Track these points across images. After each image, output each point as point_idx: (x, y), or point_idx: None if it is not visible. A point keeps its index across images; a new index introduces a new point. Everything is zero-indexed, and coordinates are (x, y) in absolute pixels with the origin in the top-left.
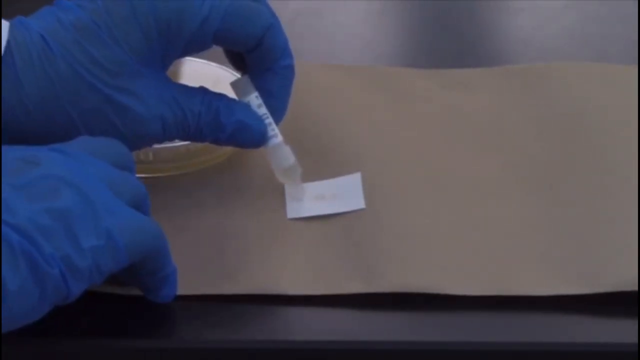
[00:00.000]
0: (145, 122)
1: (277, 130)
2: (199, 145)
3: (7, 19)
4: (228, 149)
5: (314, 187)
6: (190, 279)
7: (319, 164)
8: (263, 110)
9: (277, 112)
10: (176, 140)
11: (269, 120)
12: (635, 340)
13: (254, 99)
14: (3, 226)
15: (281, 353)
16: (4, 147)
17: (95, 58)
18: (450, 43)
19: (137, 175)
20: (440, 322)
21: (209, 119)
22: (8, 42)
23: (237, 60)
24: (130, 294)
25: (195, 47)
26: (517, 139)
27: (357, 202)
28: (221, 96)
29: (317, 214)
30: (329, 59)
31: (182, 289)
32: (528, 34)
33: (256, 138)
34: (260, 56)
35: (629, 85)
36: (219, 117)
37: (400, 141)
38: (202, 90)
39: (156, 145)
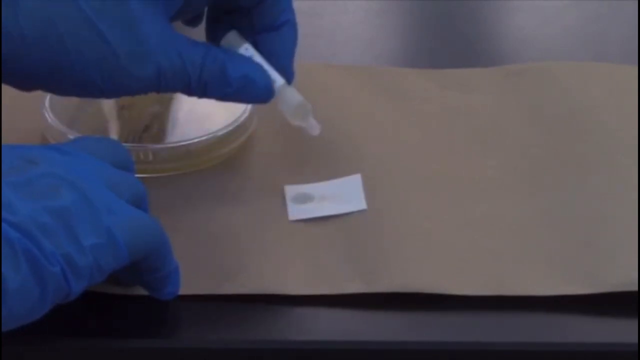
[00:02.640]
0: (141, 60)
1: (276, 74)
2: (199, 145)
3: None
4: (228, 149)
5: (314, 188)
6: (190, 279)
7: (319, 165)
8: (257, 59)
9: (287, 71)
10: (176, 141)
11: (265, 67)
12: (635, 340)
13: (244, 51)
14: (3, 224)
15: (281, 353)
16: (3, 146)
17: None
18: (450, 43)
19: (137, 175)
20: (440, 322)
21: (215, 72)
22: None
23: (218, 30)
24: (130, 294)
25: (194, 6)
26: (517, 138)
27: (358, 203)
28: (225, 50)
29: (318, 215)
30: (329, 59)
31: (182, 289)
32: (528, 34)
33: (263, 93)
34: (265, 11)
35: (629, 85)
36: (225, 70)
37: (400, 141)
38: (207, 44)
39: (156, 145)
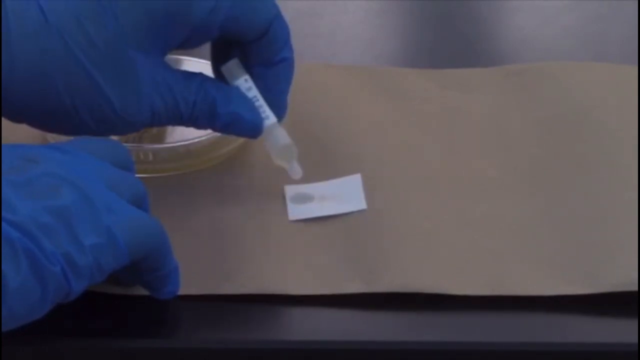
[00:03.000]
0: (135, 110)
1: (269, 112)
2: (199, 145)
3: None
4: (228, 149)
5: (314, 188)
6: (190, 279)
7: (319, 165)
8: (253, 93)
9: (279, 108)
10: (176, 141)
11: (260, 102)
12: (635, 340)
13: (243, 82)
14: (3, 224)
15: (281, 353)
16: (4, 145)
17: (92, 38)
18: (450, 43)
19: (137, 175)
20: (440, 322)
21: (205, 108)
22: (5, 8)
23: (221, 55)
24: (130, 294)
25: (201, 35)
26: (517, 138)
27: (358, 203)
28: (218, 85)
29: (318, 215)
30: (329, 59)
31: (182, 289)
32: (528, 34)
33: (250, 130)
34: (263, 47)
35: (629, 85)
36: (215, 108)
37: (400, 141)
38: (200, 78)
39: (156, 145)
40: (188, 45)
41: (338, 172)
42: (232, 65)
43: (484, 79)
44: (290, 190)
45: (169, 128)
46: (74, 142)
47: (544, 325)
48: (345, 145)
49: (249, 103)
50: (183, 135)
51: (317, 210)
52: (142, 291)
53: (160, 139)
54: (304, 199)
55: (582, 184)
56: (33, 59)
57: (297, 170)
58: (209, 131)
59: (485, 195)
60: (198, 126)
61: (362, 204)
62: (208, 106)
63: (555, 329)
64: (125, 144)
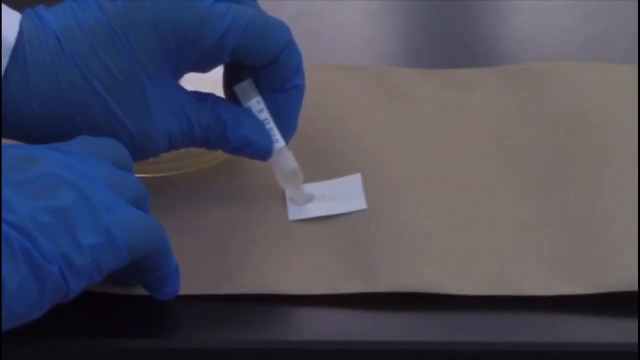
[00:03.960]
0: (152, 137)
1: (278, 135)
2: None
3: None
4: None
5: (314, 188)
6: (191, 279)
7: (319, 164)
8: (264, 115)
9: (287, 131)
10: None
11: (270, 125)
12: (635, 340)
13: (255, 104)
14: (3, 224)
15: (281, 353)
16: (3, 145)
17: (108, 67)
18: (450, 43)
19: (137, 175)
20: (440, 322)
21: (216, 132)
22: (22, 35)
23: (234, 75)
24: (129, 294)
25: (212, 60)
26: (517, 138)
27: (358, 202)
28: (230, 107)
29: (318, 215)
30: (329, 59)
31: (182, 289)
32: (528, 34)
33: (261, 154)
34: (274, 73)
35: (629, 85)
36: (226, 131)
37: (399, 141)
38: (212, 100)
39: None
40: (201, 68)
41: (338, 172)
42: (246, 86)
43: (483, 79)
44: (290, 193)
45: None
46: (74, 142)
47: (544, 325)
48: (345, 145)
49: (260, 126)
50: None
51: (317, 210)
52: (141, 291)
53: None
54: (305, 198)
55: (582, 184)
56: (49, 88)
57: (302, 196)
58: None
59: (485, 195)
60: (209, 148)
61: (362, 204)
62: (220, 129)
63: (555, 329)
64: None
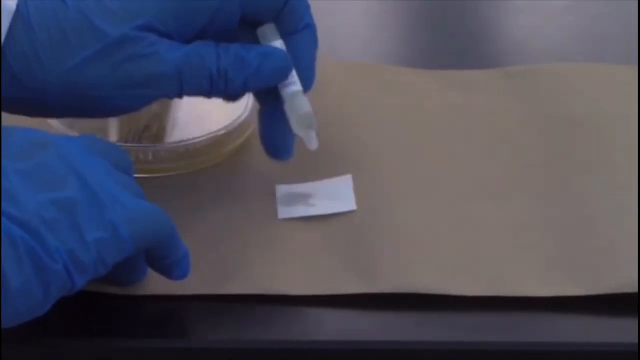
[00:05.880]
0: (161, 74)
1: (296, 78)
2: (198, 145)
3: None
4: (228, 149)
5: (304, 188)
6: (191, 279)
7: (319, 164)
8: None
9: (308, 77)
10: (176, 141)
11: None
12: (635, 340)
13: (279, 45)
14: (7, 222)
15: (281, 353)
16: (12, 127)
17: (110, 8)
18: (450, 43)
19: (137, 175)
20: (440, 322)
21: (231, 58)
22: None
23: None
24: (129, 294)
25: (223, 19)
26: (517, 139)
27: (348, 204)
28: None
29: (307, 215)
30: (329, 59)
31: (183, 289)
32: (528, 34)
33: (284, 63)
34: (285, 19)
35: (629, 85)
36: (240, 53)
37: (399, 141)
38: (214, 41)
39: (156, 145)
40: (213, 33)
41: (338, 172)
42: (267, 29)
43: (483, 80)
44: (280, 189)
45: (169, 128)
46: (81, 138)
47: (544, 325)
48: (345, 145)
49: (266, 43)
50: (183, 135)
51: (307, 210)
52: (140, 291)
53: (160, 139)
54: (295, 198)
55: (582, 185)
56: (52, 34)
57: (314, 141)
58: (209, 131)
59: (485, 195)
60: (231, 84)
61: (352, 205)
62: (233, 55)
63: (555, 329)
64: (125, 144)
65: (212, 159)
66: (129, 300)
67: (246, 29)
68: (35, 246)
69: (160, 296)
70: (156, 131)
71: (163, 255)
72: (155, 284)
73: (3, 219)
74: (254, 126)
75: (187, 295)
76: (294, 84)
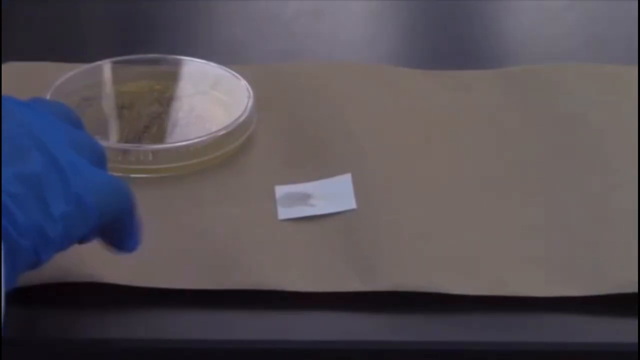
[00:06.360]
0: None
1: None
2: (198, 145)
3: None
4: (228, 150)
5: (304, 188)
6: (190, 278)
7: (319, 164)
8: None
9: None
10: (176, 141)
11: None
12: (635, 340)
13: None
14: None
15: (281, 353)
16: None
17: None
18: (450, 43)
19: (137, 175)
20: (441, 322)
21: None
22: None
23: None
24: (127, 284)
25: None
26: (517, 140)
27: (347, 202)
28: None
29: (307, 215)
30: (329, 59)
31: (183, 285)
32: (528, 34)
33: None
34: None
35: (629, 85)
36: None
37: (399, 141)
38: None
39: (156, 145)
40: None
41: (338, 172)
42: None
43: (484, 81)
44: (279, 190)
45: (169, 128)
46: (36, 100)
47: (544, 325)
48: (345, 145)
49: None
50: (183, 135)
51: (306, 210)
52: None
53: (160, 139)
54: (294, 198)
55: (582, 185)
56: None
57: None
58: (209, 131)
59: (485, 195)
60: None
61: (351, 204)
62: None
63: (556, 329)
64: (125, 144)
65: (212, 159)
66: (129, 300)
67: None
68: (6, 224)
69: (157, 295)
70: (156, 131)
71: (121, 226)
72: (154, 279)
73: None
74: (254, 126)
75: (187, 295)
76: None
